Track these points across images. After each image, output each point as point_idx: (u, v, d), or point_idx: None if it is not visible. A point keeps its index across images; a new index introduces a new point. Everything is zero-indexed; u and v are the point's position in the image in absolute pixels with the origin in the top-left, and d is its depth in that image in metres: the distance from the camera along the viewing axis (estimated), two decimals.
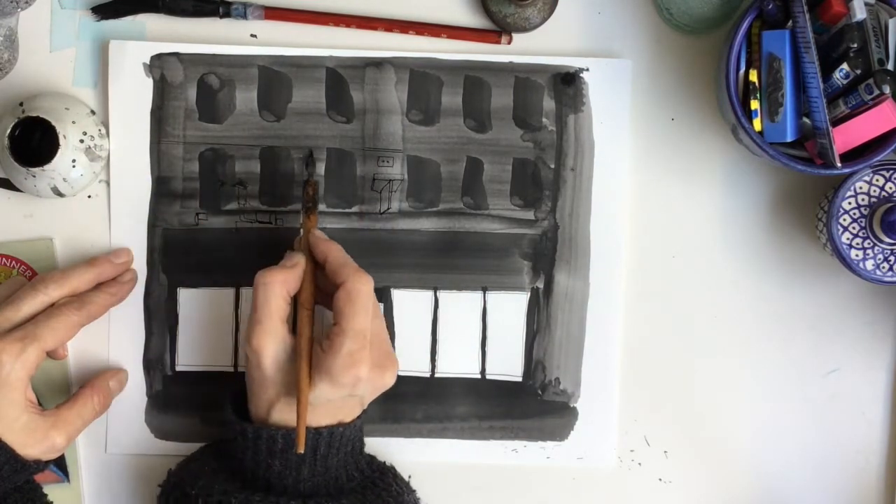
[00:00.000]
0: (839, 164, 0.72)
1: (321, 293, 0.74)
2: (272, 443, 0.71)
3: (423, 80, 0.81)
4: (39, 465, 0.72)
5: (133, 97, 0.80)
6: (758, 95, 0.74)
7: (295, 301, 0.73)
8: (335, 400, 0.71)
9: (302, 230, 0.76)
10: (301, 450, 0.68)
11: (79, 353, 0.80)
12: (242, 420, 0.73)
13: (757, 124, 0.74)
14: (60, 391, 0.80)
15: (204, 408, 0.80)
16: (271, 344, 0.70)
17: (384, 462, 0.78)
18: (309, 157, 0.79)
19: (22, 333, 0.71)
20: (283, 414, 0.71)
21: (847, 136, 0.73)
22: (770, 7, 0.72)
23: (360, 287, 0.70)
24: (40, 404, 0.74)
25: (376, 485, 0.74)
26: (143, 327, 0.80)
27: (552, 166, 0.81)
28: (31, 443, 0.71)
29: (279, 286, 0.71)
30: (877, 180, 0.76)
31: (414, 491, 0.79)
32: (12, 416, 0.70)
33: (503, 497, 0.82)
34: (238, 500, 0.70)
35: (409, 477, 0.80)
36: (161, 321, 0.80)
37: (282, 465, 0.71)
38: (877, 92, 0.70)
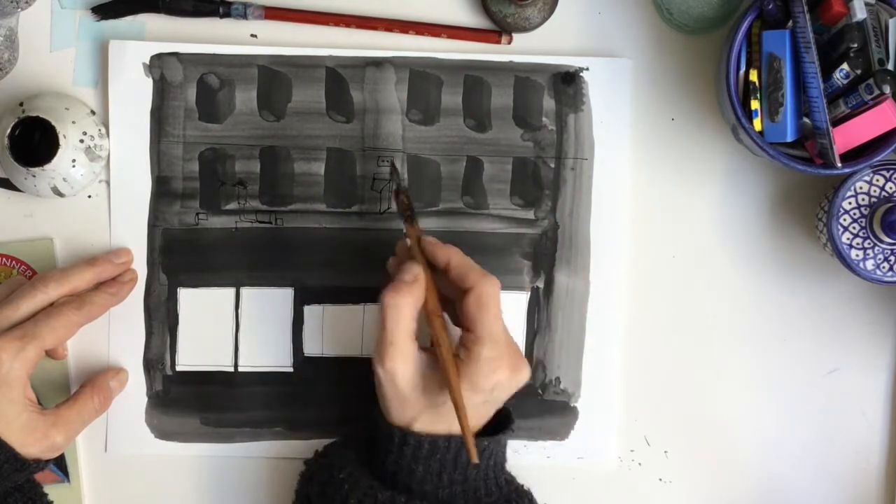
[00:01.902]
0: (839, 164, 0.72)
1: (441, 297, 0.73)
2: (418, 448, 0.70)
3: (422, 79, 0.81)
4: (39, 464, 0.72)
5: (133, 97, 0.80)
6: (758, 95, 0.74)
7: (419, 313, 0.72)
8: (474, 406, 0.70)
9: (409, 239, 0.74)
10: (476, 460, 0.68)
11: (79, 353, 0.80)
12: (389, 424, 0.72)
13: (757, 124, 0.74)
14: (60, 391, 0.80)
15: (204, 408, 0.80)
16: (405, 364, 0.69)
17: (523, 485, 0.76)
18: (392, 167, 0.79)
19: (21, 332, 0.71)
20: (426, 425, 0.71)
21: (847, 136, 0.73)
22: (770, 7, 0.72)
23: (490, 291, 0.70)
24: (40, 404, 0.74)
25: (511, 501, 0.73)
26: (143, 327, 0.80)
27: (552, 166, 0.81)
28: (31, 442, 0.71)
29: (409, 308, 0.70)
30: (877, 180, 0.76)
31: None
32: (11, 415, 0.70)
33: None
34: (384, 497, 0.70)
35: None
36: (161, 321, 0.80)
37: (424, 471, 0.70)
38: (877, 92, 0.70)
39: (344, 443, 0.76)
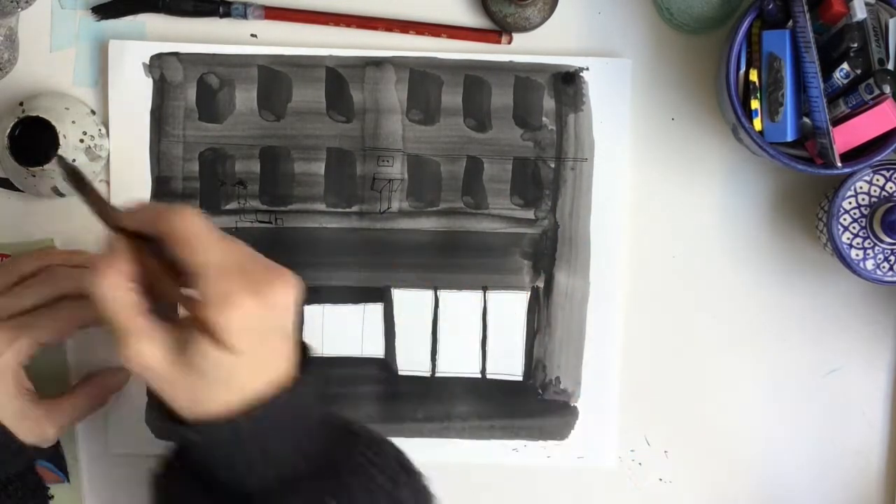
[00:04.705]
0: (839, 164, 0.72)
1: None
2: (196, 443, 0.60)
3: (423, 79, 0.81)
4: (37, 452, 0.72)
5: (133, 97, 0.80)
6: (758, 95, 0.74)
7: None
8: (248, 363, 0.59)
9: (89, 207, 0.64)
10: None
11: (79, 353, 0.80)
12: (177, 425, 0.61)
13: (757, 124, 0.74)
14: (59, 389, 0.80)
15: None
16: (151, 345, 0.59)
17: (343, 418, 0.65)
18: (68, 171, 0.66)
19: (16, 322, 0.71)
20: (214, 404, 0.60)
21: (847, 135, 0.73)
22: (770, 7, 0.72)
23: (184, 225, 0.59)
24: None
25: (340, 463, 0.62)
26: None
27: (552, 165, 0.81)
28: (23, 430, 0.70)
29: (118, 284, 0.59)
30: (877, 180, 0.76)
31: (387, 453, 0.65)
32: (3, 402, 0.70)
33: (503, 496, 0.82)
34: None
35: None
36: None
37: (212, 462, 0.60)
38: (877, 92, 0.70)
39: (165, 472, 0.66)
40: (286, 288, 0.60)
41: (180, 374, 0.59)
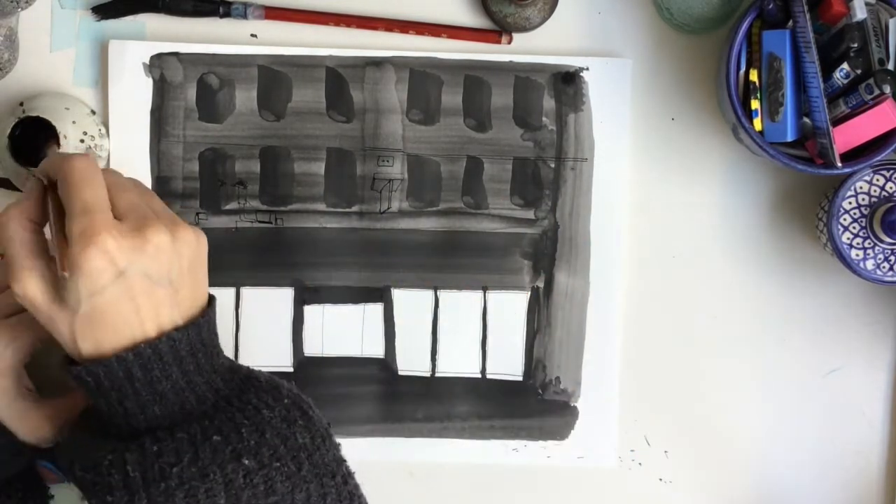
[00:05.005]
0: (839, 164, 0.72)
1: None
2: (81, 380, 0.60)
3: (423, 79, 0.81)
4: (37, 452, 0.72)
5: (133, 97, 0.80)
6: (758, 95, 0.74)
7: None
8: (115, 301, 0.59)
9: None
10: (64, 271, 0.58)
11: None
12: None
13: (757, 124, 0.74)
14: (59, 389, 0.79)
15: None
16: (37, 281, 0.59)
17: (249, 369, 0.65)
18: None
19: (16, 320, 0.71)
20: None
21: (847, 135, 0.73)
22: (770, 7, 0.72)
23: (68, 166, 0.60)
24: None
25: (231, 404, 0.61)
26: None
27: (552, 165, 0.81)
28: (23, 430, 0.70)
29: (16, 221, 0.61)
30: (877, 180, 0.76)
31: (286, 397, 0.63)
32: (3, 402, 0.70)
33: (503, 496, 0.82)
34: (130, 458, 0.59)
35: (412, 474, 0.80)
36: None
37: (107, 405, 0.60)
38: (877, 92, 0.70)
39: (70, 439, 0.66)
40: (159, 233, 0.60)
41: (58, 311, 0.60)
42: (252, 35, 0.81)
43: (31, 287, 0.60)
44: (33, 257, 0.60)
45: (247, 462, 0.59)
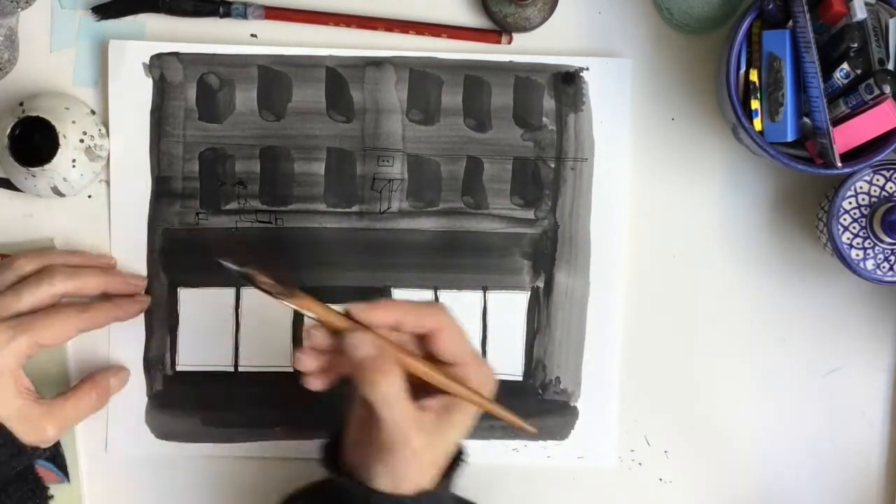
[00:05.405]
0: (839, 164, 0.72)
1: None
2: None
3: (423, 79, 0.81)
4: (37, 452, 0.72)
5: (133, 97, 0.80)
6: (758, 95, 0.74)
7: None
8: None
9: (310, 314, 0.65)
10: (533, 430, 0.69)
11: (79, 353, 0.80)
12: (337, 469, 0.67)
13: (757, 124, 0.74)
14: (59, 388, 0.80)
15: (204, 408, 0.80)
16: (421, 435, 0.64)
17: None
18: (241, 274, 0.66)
19: (15, 322, 0.71)
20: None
21: (847, 135, 0.73)
22: (770, 7, 0.72)
23: (447, 319, 0.66)
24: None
25: None
26: (143, 327, 0.80)
27: (552, 165, 0.81)
28: (23, 430, 0.71)
29: (399, 382, 0.64)
30: (877, 180, 0.76)
31: None
32: (2, 402, 0.70)
33: (503, 496, 0.82)
34: None
35: None
36: (161, 321, 0.80)
37: None
38: (877, 92, 0.70)
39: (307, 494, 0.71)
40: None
41: (437, 453, 0.66)
42: (252, 35, 0.81)
43: (421, 441, 0.64)
44: (418, 413, 0.65)
45: None
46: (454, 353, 0.66)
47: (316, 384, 0.67)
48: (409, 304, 0.67)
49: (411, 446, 0.63)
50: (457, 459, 0.69)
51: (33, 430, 0.71)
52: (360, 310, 0.64)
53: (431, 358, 0.66)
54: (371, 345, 0.63)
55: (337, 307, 0.65)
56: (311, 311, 0.64)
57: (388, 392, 0.63)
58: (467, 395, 0.66)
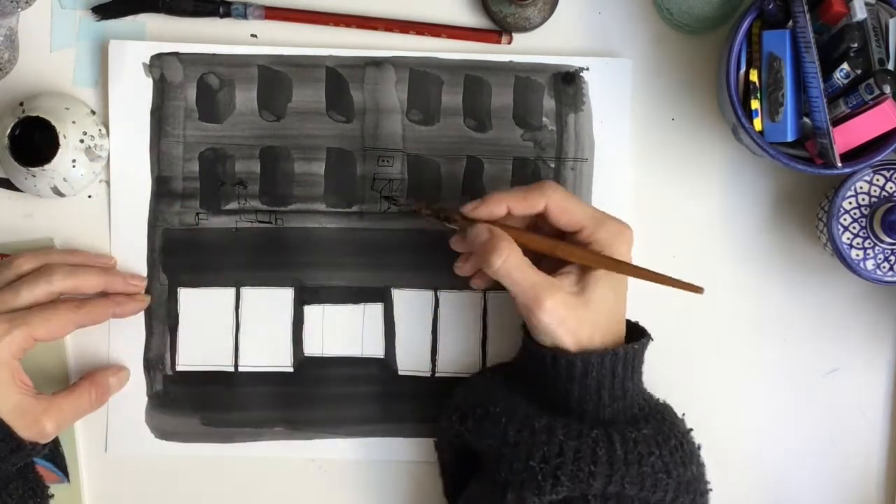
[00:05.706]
0: (839, 164, 0.72)
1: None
2: (571, 368, 0.69)
3: (423, 79, 0.81)
4: (35, 448, 0.72)
5: (133, 97, 0.80)
6: (758, 95, 0.74)
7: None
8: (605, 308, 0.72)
9: (457, 226, 0.75)
10: (700, 291, 0.71)
11: (79, 353, 0.80)
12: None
13: (757, 124, 0.73)
14: (58, 388, 0.80)
15: (204, 408, 0.80)
16: (555, 295, 0.70)
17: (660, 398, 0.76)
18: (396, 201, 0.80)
19: (11, 316, 0.71)
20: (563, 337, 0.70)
21: (847, 135, 0.73)
22: (770, 7, 0.72)
23: (557, 194, 0.71)
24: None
25: (665, 417, 0.73)
26: (143, 327, 0.80)
27: (552, 166, 0.81)
28: (21, 425, 0.71)
29: (516, 253, 0.70)
30: (877, 180, 0.76)
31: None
32: (1, 395, 0.70)
33: None
34: (541, 424, 0.70)
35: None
36: (161, 321, 0.80)
37: (581, 391, 0.70)
38: (877, 92, 0.70)
39: (482, 380, 0.77)
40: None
41: (580, 311, 0.70)
42: (252, 35, 0.81)
43: (559, 301, 0.70)
44: (545, 277, 0.71)
45: (671, 469, 0.70)
46: (570, 223, 0.72)
47: (478, 284, 0.78)
48: (515, 191, 0.72)
49: (543, 306, 0.69)
50: (639, 338, 0.73)
51: (31, 425, 0.71)
52: (472, 208, 0.72)
53: (562, 234, 0.73)
54: (484, 232, 0.71)
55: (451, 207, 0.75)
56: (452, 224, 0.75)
57: (504, 265, 0.69)
58: (584, 256, 0.71)
